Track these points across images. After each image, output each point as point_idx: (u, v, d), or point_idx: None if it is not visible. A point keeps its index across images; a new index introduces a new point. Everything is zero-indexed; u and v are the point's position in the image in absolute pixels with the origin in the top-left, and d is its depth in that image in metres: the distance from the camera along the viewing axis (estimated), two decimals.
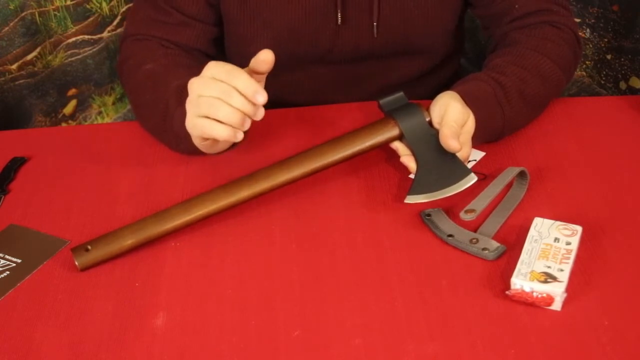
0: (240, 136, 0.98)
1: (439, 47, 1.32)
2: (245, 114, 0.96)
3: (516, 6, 1.22)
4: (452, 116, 1.03)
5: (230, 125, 0.97)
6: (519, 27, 1.23)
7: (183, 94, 1.07)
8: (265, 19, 1.22)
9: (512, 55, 1.17)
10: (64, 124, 1.54)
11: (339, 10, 1.21)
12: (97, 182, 1.13)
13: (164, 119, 1.11)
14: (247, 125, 0.97)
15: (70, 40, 1.49)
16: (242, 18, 1.23)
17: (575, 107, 1.23)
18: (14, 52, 1.42)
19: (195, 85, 0.99)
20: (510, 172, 1.03)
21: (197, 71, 1.20)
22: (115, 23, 1.53)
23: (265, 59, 1.00)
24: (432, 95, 1.10)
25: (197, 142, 1.04)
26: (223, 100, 0.96)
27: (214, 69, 0.98)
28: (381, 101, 1.09)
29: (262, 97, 0.96)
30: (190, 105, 1.00)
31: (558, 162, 1.11)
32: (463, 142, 1.04)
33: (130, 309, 0.92)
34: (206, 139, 1.02)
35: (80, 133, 1.29)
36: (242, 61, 1.32)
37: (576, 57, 1.24)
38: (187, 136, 1.06)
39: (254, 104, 0.96)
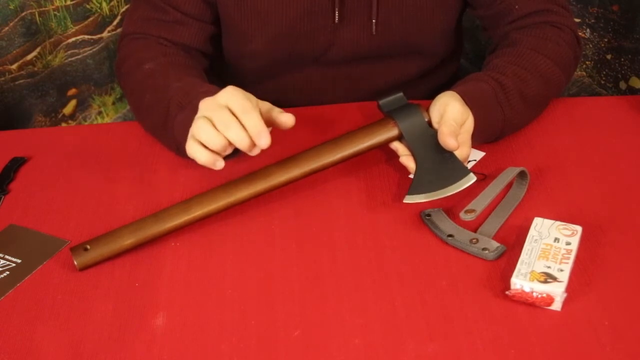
0: (220, 165, 1.00)
1: (437, 47, 1.32)
2: (229, 144, 0.98)
3: (516, 7, 1.22)
4: (451, 115, 1.03)
5: (212, 151, 0.99)
6: (519, 28, 1.23)
7: (185, 98, 1.07)
8: (262, 17, 1.22)
9: (512, 56, 1.17)
10: (64, 124, 1.54)
11: (336, 9, 1.21)
12: (97, 182, 1.13)
13: (164, 123, 1.11)
14: (228, 151, 1.00)
15: (70, 40, 1.49)
16: (239, 16, 1.23)
17: (575, 107, 1.23)
18: (14, 52, 1.42)
19: (203, 107, 1.01)
20: (510, 172, 1.03)
21: (195, 71, 1.21)
22: (115, 23, 1.53)
23: (286, 122, 1.03)
24: (431, 96, 1.10)
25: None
26: (220, 132, 0.97)
27: (231, 98, 0.99)
28: (381, 102, 1.09)
29: (265, 141, 0.97)
30: (193, 124, 1.01)
31: (558, 162, 1.11)
32: (462, 142, 1.04)
33: (130, 309, 0.92)
34: None
35: (80, 133, 1.29)
36: (239, 60, 1.33)
37: (576, 58, 1.24)
38: (183, 142, 1.06)
39: (252, 143, 0.98)
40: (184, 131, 1.04)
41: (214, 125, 0.98)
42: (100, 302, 0.93)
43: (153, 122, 1.15)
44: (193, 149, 1.00)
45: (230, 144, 0.98)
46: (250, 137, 0.97)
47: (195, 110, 1.02)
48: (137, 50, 1.23)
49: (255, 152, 1.00)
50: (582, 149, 1.13)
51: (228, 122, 0.97)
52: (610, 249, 0.96)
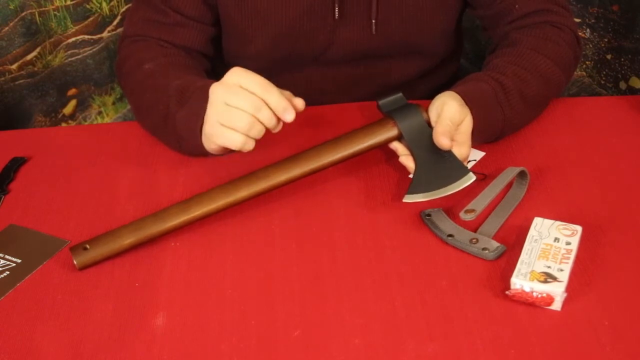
0: (251, 145, 1.01)
1: (437, 47, 1.32)
2: (265, 127, 1.00)
3: (516, 6, 1.22)
4: (447, 114, 1.03)
5: (247, 136, 1.00)
6: (519, 27, 1.23)
7: (184, 95, 1.08)
8: (262, 17, 1.22)
9: (512, 56, 1.17)
10: (64, 124, 1.54)
11: (336, 7, 1.21)
12: (96, 182, 1.13)
13: (165, 119, 1.11)
14: (261, 135, 1.02)
15: (70, 40, 1.49)
16: (239, 17, 1.24)
17: (575, 107, 1.23)
18: (14, 52, 1.42)
19: (220, 92, 1.01)
20: (510, 172, 1.03)
21: (196, 71, 1.21)
22: (115, 23, 1.53)
23: (297, 105, 1.03)
24: (431, 96, 1.10)
25: (210, 146, 1.05)
26: (252, 115, 0.98)
27: (243, 78, 1.00)
28: (380, 102, 1.09)
29: (291, 116, 0.99)
30: (213, 110, 1.01)
31: (558, 162, 1.11)
32: (461, 142, 1.04)
33: (130, 309, 0.92)
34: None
35: (80, 133, 1.29)
36: (239, 61, 1.33)
37: (576, 57, 1.24)
38: (188, 137, 1.07)
39: (278, 120, 1.00)
40: (187, 126, 1.04)
41: (244, 111, 0.98)
42: (100, 302, 0.93)
43: (153, 121, 1.15)
44: (227, 136, 1.00)
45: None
46: (275, 115, 0.99)
47: (197, 102, 1.02)
48: (137, 51, 1.23)
49: (277, 129, 1.02)
50: (582, 149, 1.13)
51: (258, 105, 0.99)
52: (610, 249, 0.96)
